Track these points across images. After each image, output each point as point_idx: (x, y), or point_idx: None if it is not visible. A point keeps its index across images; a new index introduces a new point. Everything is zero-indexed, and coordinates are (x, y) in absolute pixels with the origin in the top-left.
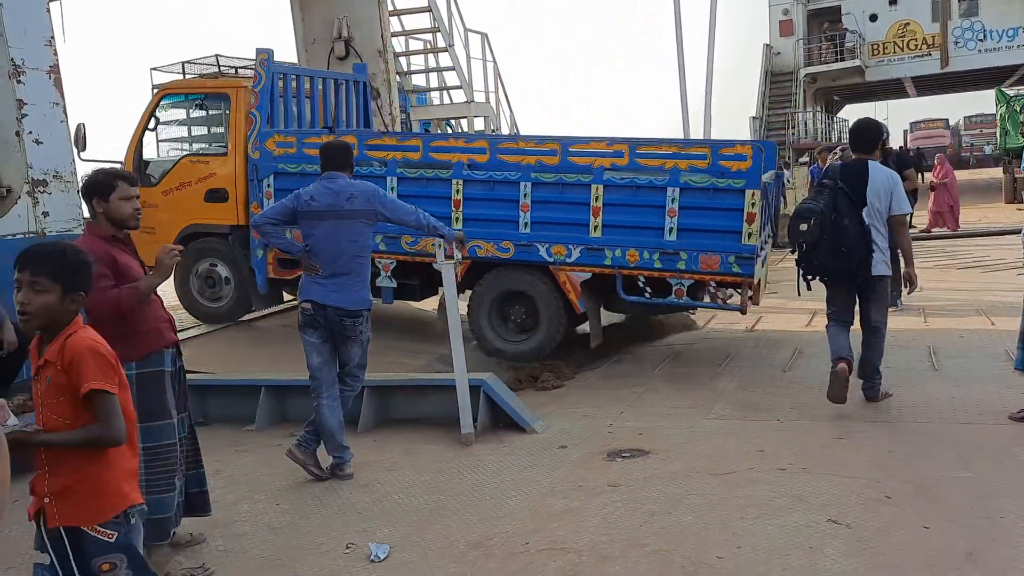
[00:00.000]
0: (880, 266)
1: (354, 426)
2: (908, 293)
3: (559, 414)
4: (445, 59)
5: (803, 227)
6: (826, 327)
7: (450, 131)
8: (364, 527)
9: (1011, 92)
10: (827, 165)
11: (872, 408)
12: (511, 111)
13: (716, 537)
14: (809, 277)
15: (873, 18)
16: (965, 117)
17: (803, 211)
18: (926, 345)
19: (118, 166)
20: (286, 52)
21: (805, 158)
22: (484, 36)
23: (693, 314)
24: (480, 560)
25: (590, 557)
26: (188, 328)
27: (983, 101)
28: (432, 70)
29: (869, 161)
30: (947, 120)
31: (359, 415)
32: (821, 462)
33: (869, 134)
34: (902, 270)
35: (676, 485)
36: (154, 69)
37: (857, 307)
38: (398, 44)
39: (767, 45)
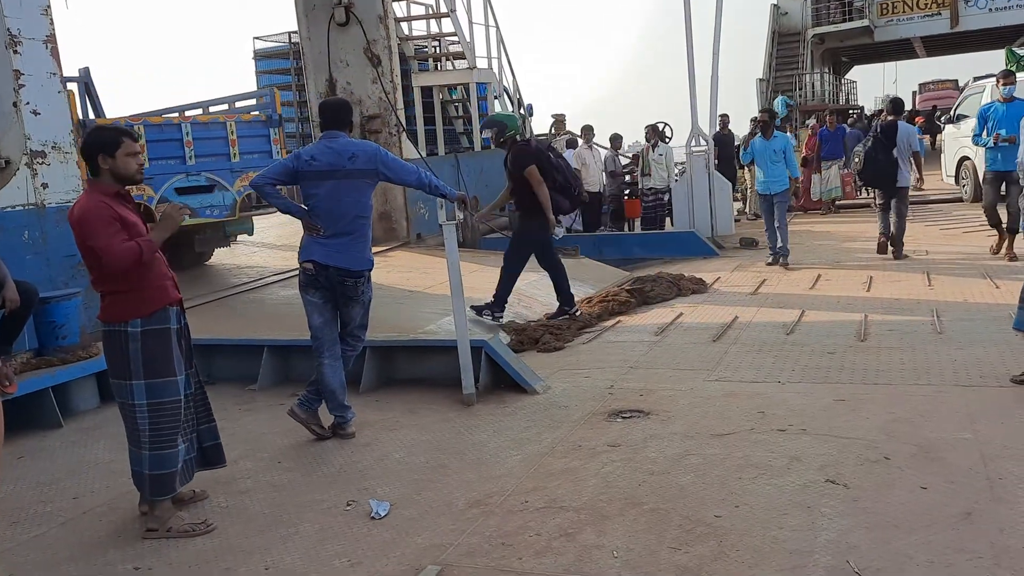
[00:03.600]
0: (902, 180)
1: (356, 386)
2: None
3: (560, 375)
4: (448, 25)
5: (856, 160)
6: (877, 212)
7: (453, 98)
8: (365, 485)
9: (1021, 52)
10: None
11: (874, 371)
12: (514, 77)
13: (714, 496)
14: (863, 187)
15: None
16: (974, 77)
17: (856, 152)
18: (930, 308)
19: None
20: (286, 19)
21: (812, 120)
22: (486, 0)
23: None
24: (479, 518)
25: (588, 515)
26: (190, 299)
27: (994, 61)
28: (434, 36)
29: (899, 121)
30: (956, 81)
31: (361, 375)
32: (821, 424)
33: (898, 106)
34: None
35: (676, 445)
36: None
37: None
38: (399, 9)
39: (774, 5)
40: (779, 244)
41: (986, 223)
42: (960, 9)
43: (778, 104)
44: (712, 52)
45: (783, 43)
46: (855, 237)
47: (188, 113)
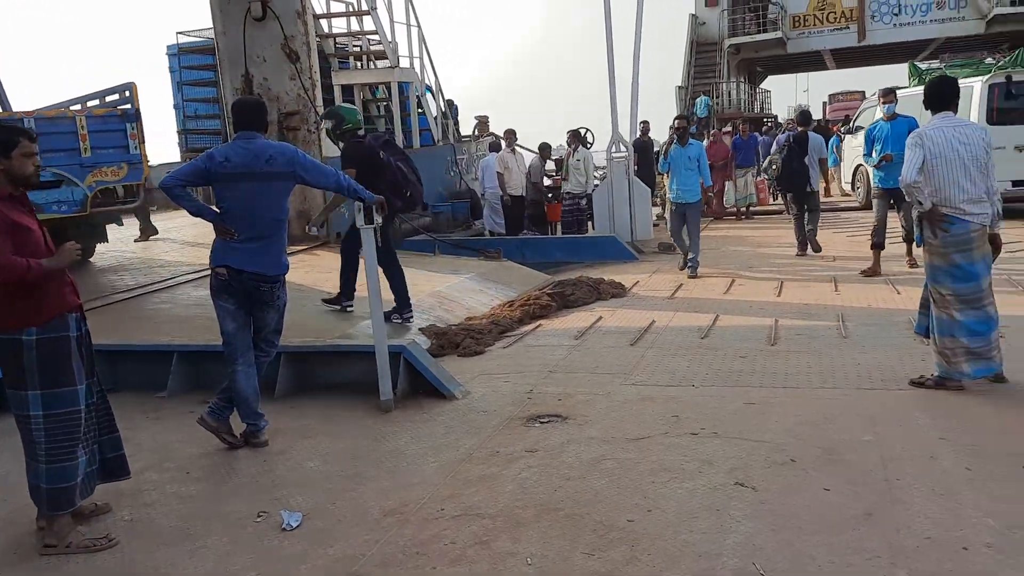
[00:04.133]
0: (813, 184)
1: (270, 392)
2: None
3: (480, 380)
4: (369, 23)
5: (774, 167)
6: (793, 217)
7: (377, 97)
8: (277, 495)
9: (923, 66)
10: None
11: (783, 374)
12: (436, 77)
13: (628, 501)
14: (779, 191)
15: None
16: (880, 89)
17: (774, 160)
18: (836, 313)
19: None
20: (200, 15)
21: (728, 128)
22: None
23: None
24: (394, 527)
25: (504, 523)
26: (94, 299)
27: (899, 74)
28: (355, 34)
29: (808, 131)
30: (864, 92)
31: (276, 381)
32: (732, 427)
33: (806, 118)
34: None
35: (592, 450)
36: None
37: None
38: (318, 6)
39: (693, 15)
40: (691, 256)
41: (889, 230)
42: (867, 24)
43: (700, 104)
44: (633, 60)
45: (701, 52)
46: (768, 243)
47: (73, 108)
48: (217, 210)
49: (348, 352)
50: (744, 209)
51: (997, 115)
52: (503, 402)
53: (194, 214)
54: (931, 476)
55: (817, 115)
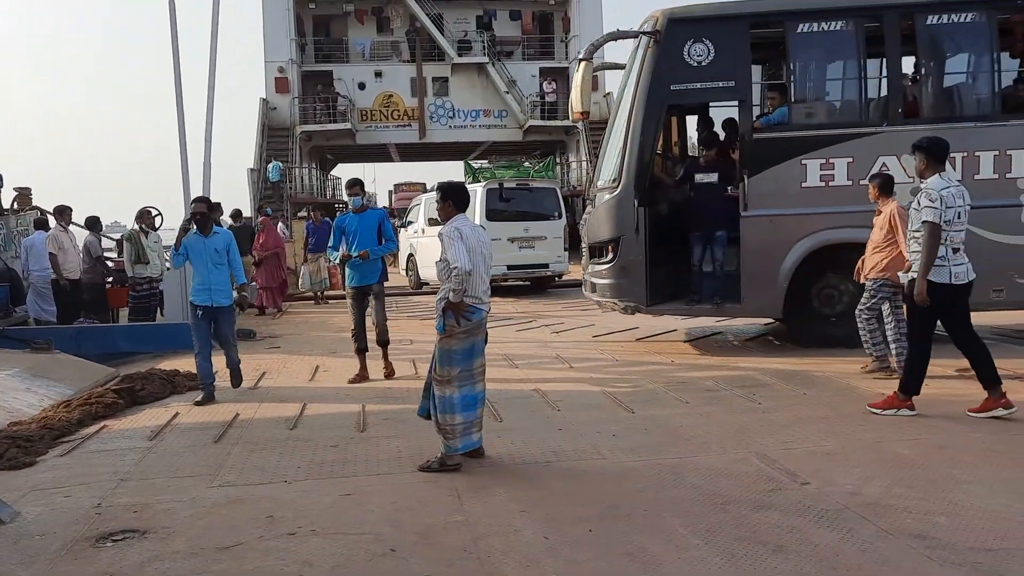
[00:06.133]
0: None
1: None
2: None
3: (33, 497)
4: None
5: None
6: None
7: None
8: None
9: (476, 164)
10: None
11: (375, 461)
12: None
13: None
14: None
15: (361, 86)
16: (439, 182)
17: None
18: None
19: None
20: None
21: (303, 212)
22: None
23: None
24: None
25: None
26: None
27: (457, 169)
28: None
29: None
30: (425, 184)
31: None
32: (330, 522)
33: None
34: None
35: (179, 566)
36: None
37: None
38: None
39: (263, 99)
40: (209, 379)
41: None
42: (427, 123)
43: (272, 169)
44: (205, 139)
45: (273, 136)
46: (348, 327)
47: None
48: None
49: None
50: (320, 293)
51: (493, 214)
52: (65, 521)
53: None
54: (517, 549)
55: (384, 202)
